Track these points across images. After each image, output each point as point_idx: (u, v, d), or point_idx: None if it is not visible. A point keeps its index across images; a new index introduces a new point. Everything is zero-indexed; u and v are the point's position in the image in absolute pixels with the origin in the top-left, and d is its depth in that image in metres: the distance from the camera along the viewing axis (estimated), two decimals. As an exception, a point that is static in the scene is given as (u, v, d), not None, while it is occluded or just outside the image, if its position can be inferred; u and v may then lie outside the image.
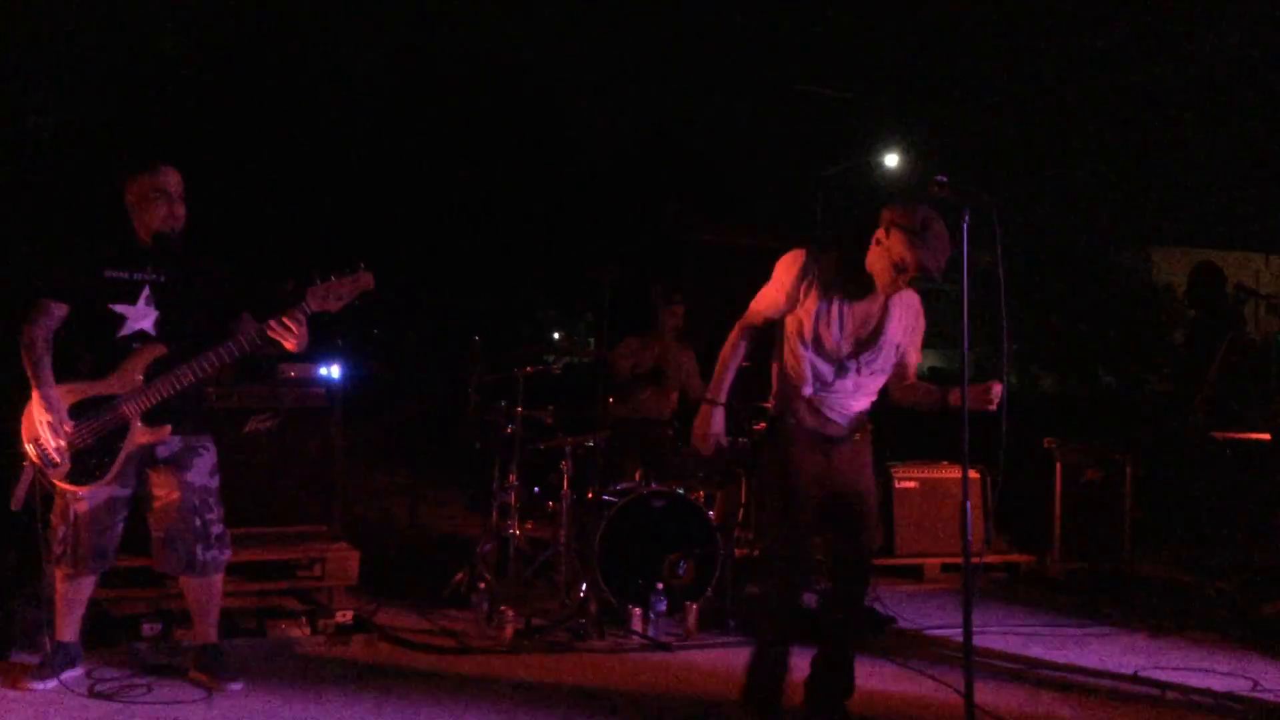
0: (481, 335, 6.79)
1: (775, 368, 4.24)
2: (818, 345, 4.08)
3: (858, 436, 4.21)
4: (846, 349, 4.07)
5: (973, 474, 3.82)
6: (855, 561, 4.21)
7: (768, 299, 4.19)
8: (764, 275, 4.22)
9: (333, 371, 5.94)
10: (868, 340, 4.11)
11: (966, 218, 3.63)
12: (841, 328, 4.06)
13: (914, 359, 4.33)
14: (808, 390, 4.09)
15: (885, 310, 4.12)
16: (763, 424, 6.86)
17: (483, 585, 5.83)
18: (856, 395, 4.16)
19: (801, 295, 4.08)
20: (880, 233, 3.98)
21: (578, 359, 6.48)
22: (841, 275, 4.08)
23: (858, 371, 4.11)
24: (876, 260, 4.01)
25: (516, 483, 6.31)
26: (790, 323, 4.15)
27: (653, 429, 6.90)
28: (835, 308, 4.06)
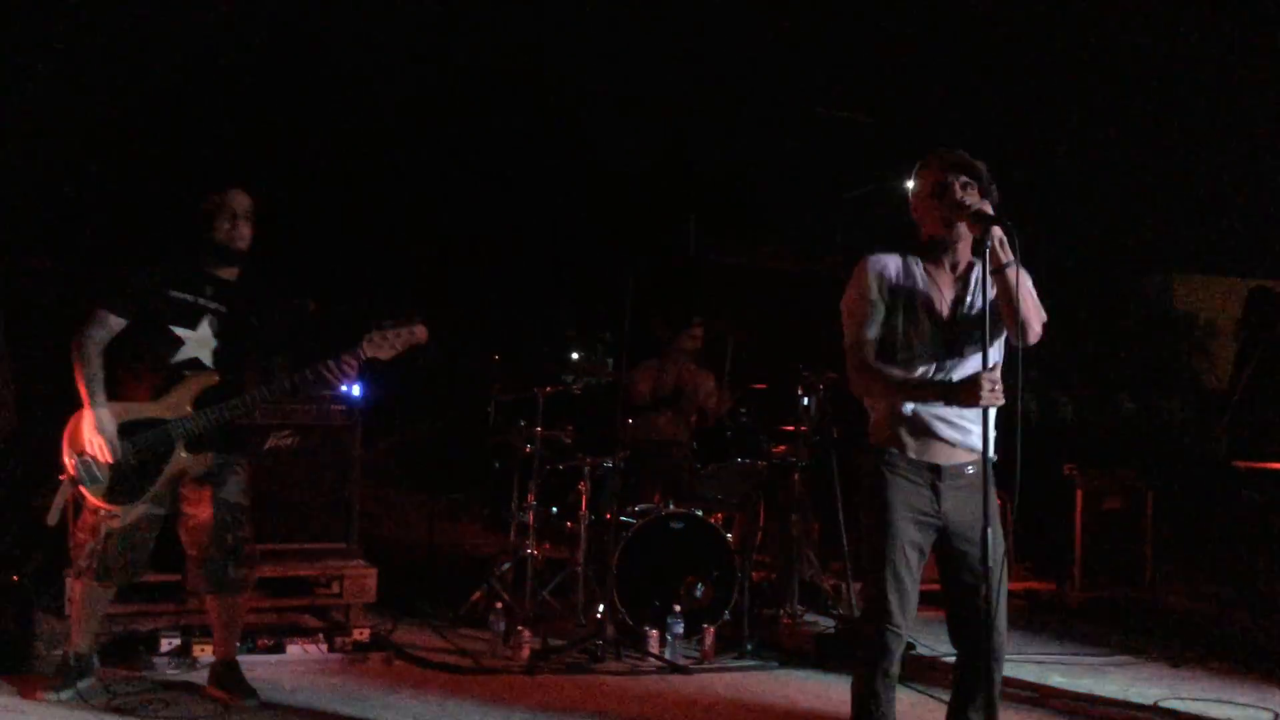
0: (500, 354, 6.80)
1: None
2: (908, 351, 3.62)
3: (971, 469, 3.64)
4: (941, 345, 3.61)
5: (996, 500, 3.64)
6: (978, 624, 3.57)
7: (862, 318, 3.62)
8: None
9: (353, 389, 5.96)
10: (962, 328, 3.62)
11: (990, 240, 3.51)
12: (933, 321, 3.61)
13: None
14: (908, 406, 3.60)
15: (969, 288, 3.65)
16: (770, 445, 6.89)
17: (500, 605, 5.83)
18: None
19: (886, 297, 3.63)
20: (916, 193, 3.71)
21: (597, 380, 6.49)
22: (913, 264, 3.67)
23: (964, 359, 3.62)
24: (928, 205, 3.66)
25: (535, 503, 6.31)
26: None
27: (671, 451, 6.90)
28: (919, 302, 3.62)
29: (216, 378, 4.52)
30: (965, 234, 3.62)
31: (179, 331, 4.52)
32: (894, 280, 3.63)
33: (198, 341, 4.54)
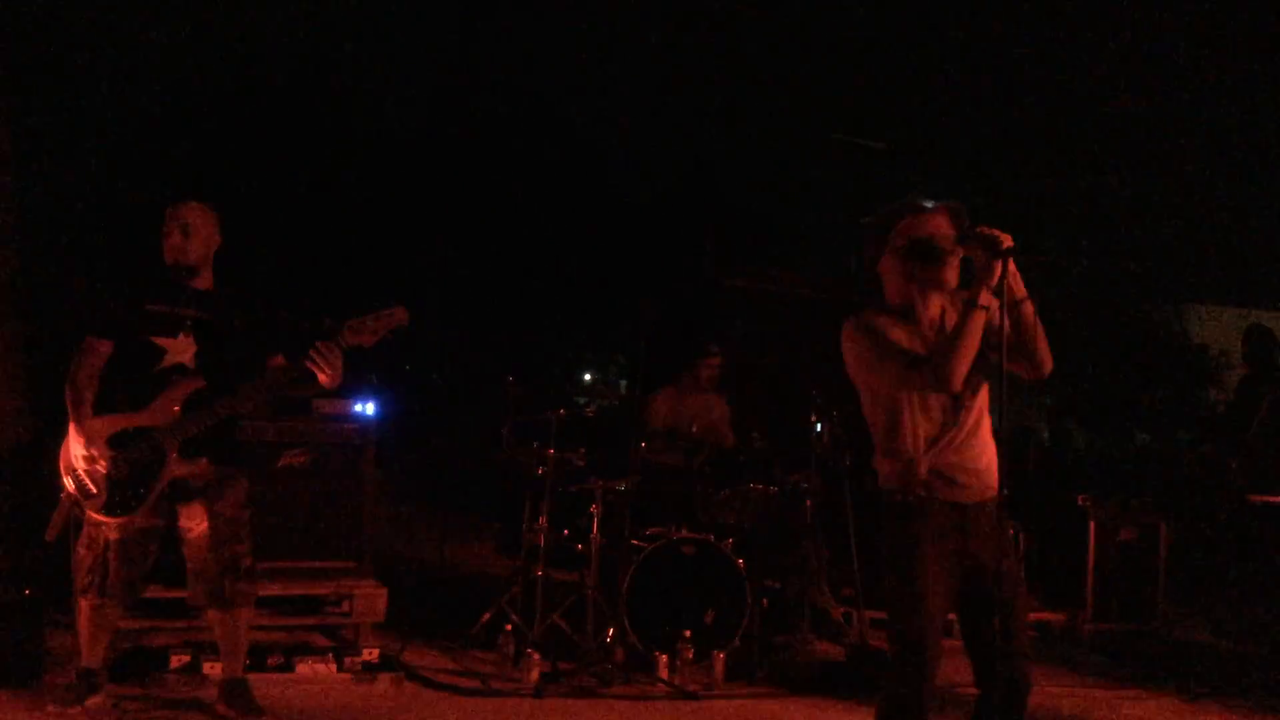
0: (514, 376, 6.81)
1: (880, 436, 3.65)
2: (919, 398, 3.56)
3: (989, 505, 3.59)
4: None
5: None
6: (1009, 661, 3.50)
7: (883, 350, 3.55)
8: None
9: (367, 408, 5.97)
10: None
11: (1004, 266, 3.47)
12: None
13: None
14: (923, 449, 3.54)
15: (945, 316, 3.62)
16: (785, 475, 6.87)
17: (509, 627, 5.82)
18: (976, 432, 3.60)
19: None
20: (886, 259, 3.63)
21: (610, 402, 6.50)
22: (891, 321, 3.62)
23: (970, 398, 3.57)
24: (897, 261, 3.60)
25: (546, 525, 6.30)
26: (882, 396, 3.61)
27: (683, 477, 6.89)
28: (915, 338, 3.57)
29: (202, 381, 4.54)
30: (935, 283, 3.56)
31: (160, 342, 4.54)
32: (888, 335, 3.57)
33: (179, 349, 4.56)
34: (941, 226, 3.56)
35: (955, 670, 6.12)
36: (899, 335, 3.57)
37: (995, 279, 3.41)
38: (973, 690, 3.76)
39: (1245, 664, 6.41)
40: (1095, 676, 6.31)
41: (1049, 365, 3.58)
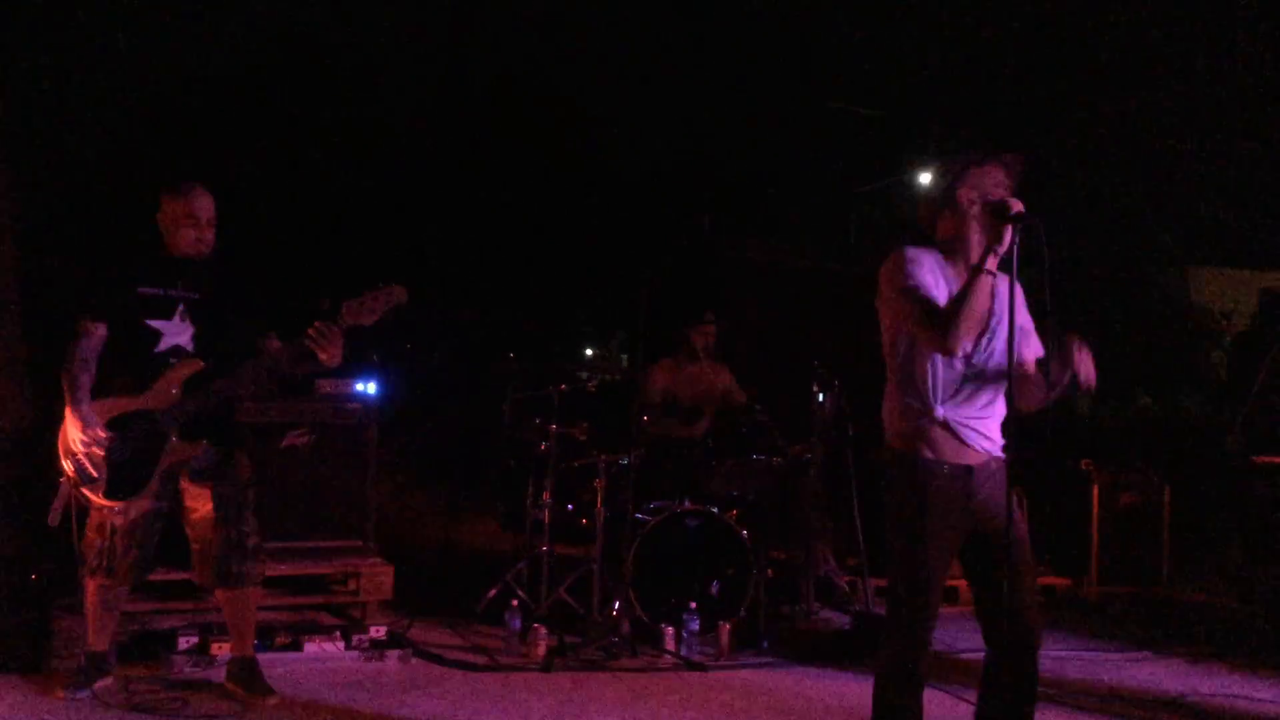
0: (515, 351, 6.81)
1: (893, 394, 3.65)
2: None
3: (994, 465, 3.59)
4: (970, 341, 3.51)
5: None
6: (1016, 619, 3.49)
7: (918, 286, 3.48)
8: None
9: (369, 388, 5.97)
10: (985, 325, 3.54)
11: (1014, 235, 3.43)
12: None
13: (1028, 353, 3.67)
14: (940, 410, 3.52)
15: (994, 289, 3.51)
16: (805, 448, 6.88)
17: (516, 602, 5.84)
18: (991, 403, 3.59)
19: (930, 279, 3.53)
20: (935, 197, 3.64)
21: (611, 376, 6.50)
22: (940, 260, 3.58)
23: (984, 367, 3.55)
24: (951, 207, 3.59)
25: (550, 500, 6.31)
26: (904, 331, 3.59)
27: (686, 449, 6.89)
28: (950, 295, 3.51)
29: (200, 363, 4.53)
30: (978, 236, 3.54)
31: (155, 324, 4.53)
32: (932, 268, 3.55)
33: (176, 331, 4.55)
34: (1000, 179, 3.54)
35: (957, 636, 6.16)
36: (948, 273, 3.56)
37: (1005, 245, 3.39)
38: (975, 654, 3.75)
39: (1249, 624, 6.43)
40: (1101, 640, 6.34)
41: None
